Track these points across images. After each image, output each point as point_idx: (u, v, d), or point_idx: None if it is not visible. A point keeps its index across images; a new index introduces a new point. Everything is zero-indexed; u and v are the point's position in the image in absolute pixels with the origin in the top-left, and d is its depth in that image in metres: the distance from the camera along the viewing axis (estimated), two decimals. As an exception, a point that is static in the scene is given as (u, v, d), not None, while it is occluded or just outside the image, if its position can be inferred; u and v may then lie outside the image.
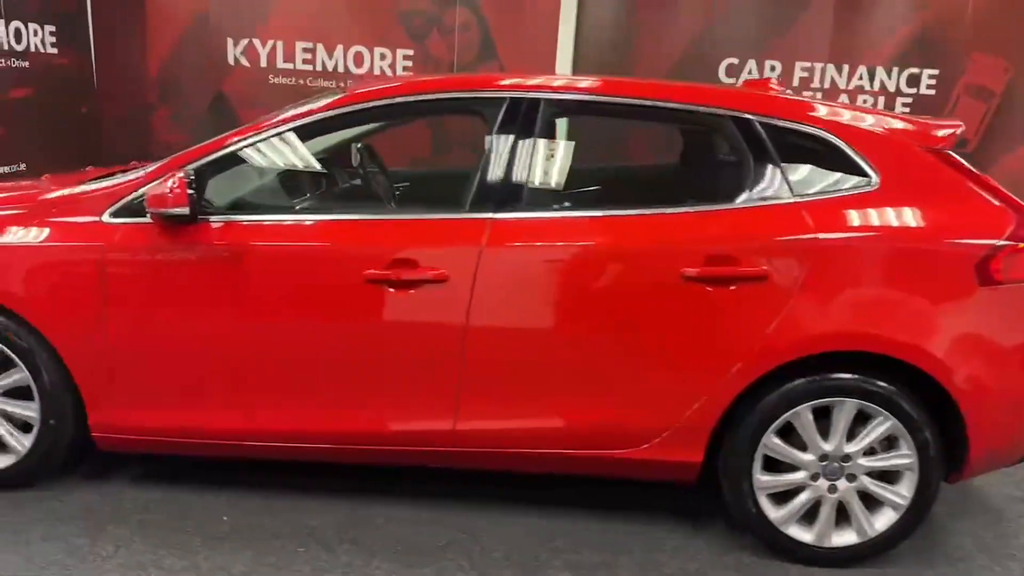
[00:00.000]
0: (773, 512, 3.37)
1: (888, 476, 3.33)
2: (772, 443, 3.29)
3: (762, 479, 3.33)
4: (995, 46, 8.40)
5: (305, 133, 3.52)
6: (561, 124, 3.60)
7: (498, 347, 3.32)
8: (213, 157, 3.42)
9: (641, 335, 3.27)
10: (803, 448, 3.31)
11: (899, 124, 3.35)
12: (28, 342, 3.40)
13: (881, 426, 3.22)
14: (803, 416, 3.24)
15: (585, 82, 3.47)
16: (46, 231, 3.42)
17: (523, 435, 3.40)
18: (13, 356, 3.44)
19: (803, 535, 3.37)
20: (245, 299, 3.34)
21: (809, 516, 3.40)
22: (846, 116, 3.36)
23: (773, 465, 3.36)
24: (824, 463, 3.30)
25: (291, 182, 4.02)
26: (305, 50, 9.38)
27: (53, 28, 8.92)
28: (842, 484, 3.32)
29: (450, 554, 3.42)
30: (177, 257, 3.33)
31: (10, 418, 3.61)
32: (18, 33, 8.42)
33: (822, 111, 3.35)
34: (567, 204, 3.47)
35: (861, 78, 8.87)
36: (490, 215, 3.30)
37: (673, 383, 3.29)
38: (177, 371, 3.44)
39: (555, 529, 3.59)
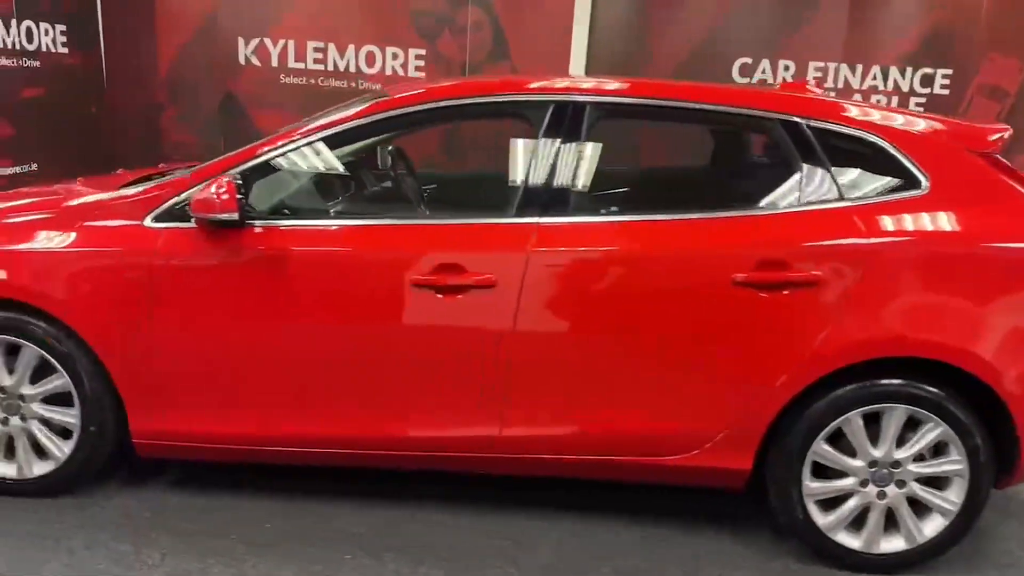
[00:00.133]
0: (821, 518, 3.34)
1: (937, 482, 3.30)
2: (822, 450, 3.26)
3: (811, 486, 3.30)
4: (1009, 46, 8.38)
5: (349, 137, 3.47)
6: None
7: (545, 352, 3.28)
8: (257, 162, 3.37)
9: (691, 340, 3.23)
10: (852, 454, 3.28)
11: (948, 127, 3.32)
12: (68, 347, 3.35)
13: (931, 432, 3.19)
14: (854, 422, 3.21)
15: (632, 85, 3.43)
16: (87, 236, 3.36)
17: (570, 441, 3.36)
18: (54, 362, 3.39)
19: (851, 541, 3.35)
20: (290, 304, 3.30)
21: (856, 522, 3.35)
22: (896, 120, 3.34)
23: (820, 471, 3.31)
24: (873, 469, 3.28)
25: (332, 186, 3.98)
26: (316, 50, 9.34)
27: (64, 27, 8.86)
28: (891, 490, 3.29)
29: (497, 560, 3.38)
30: (222, 262, 3.28)
31: (49, 424, 3.52)
32: (29, 32, 8.36)
33: (873, 115, 3.33)
34: (614, 208, 3.43)
35: (875, 78, 8.85)
36: (537, 220, 3.26)
37: (723, 389, 3.25)
38: (221, 377, 3.39)
39: (600, 534, 3.56)
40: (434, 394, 3.34)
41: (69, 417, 3.46)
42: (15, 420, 3.51)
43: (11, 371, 3.50)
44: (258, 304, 3.27)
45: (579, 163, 3.30)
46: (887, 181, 3.25)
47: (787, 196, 3.27)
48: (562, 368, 3.27)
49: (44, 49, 8.60)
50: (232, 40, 9.46)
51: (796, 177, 3.26)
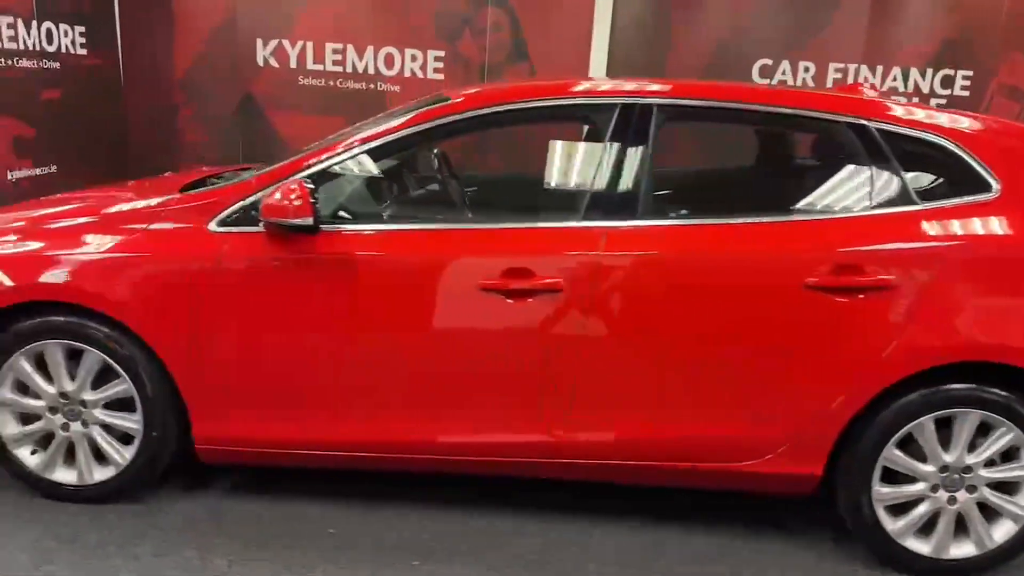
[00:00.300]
0: (891, 524, 3.31)
1: (1007, 486, 3.28)
2: (893, 455, 3.23)
3: (881, 491, 3.27)
4: (1030, 47, 8.30)
5: (411, 141, 3.44)
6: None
7: (614, 357, 3.25)
8: (323, 166, 3.33)
9: (763, 345, 3.21)
10: (923, 459, 3.25)
11: (1015, 130, 3.30)
12: (130, 351, 3.30)
13: (1004, 437, 3.17)
14: (926, 427, 3.19)
15: (697, 87, 3.40)
16: (150, 240, 3.32)
17: (639, 447, 3.32)
18: (117, 367, 3.34)
19: (920, 547, 3.32)
20: (358, 309, 3.25)
21: (926, 528, 3.32)
22: (964, 123, 3.31)
23: (889, 476, 3.29)
24: (944, 474, 3.25)
25: (394, 190, 3.95)
26: (335, 51, 9.30)
27: (83, 29, 8.82)
28: (961, 495, 3.27)
29: (567, 565, 3.35)
30: (290, 267, 3.24)
31: (109, 430, 3.48)
32: (49, 34, 8.31)
33: (940, 118, 3.30)
34: (683, 211, 3.40)
35: (895, 79, 8.84)
36: (605, 223, 3.23)
37: (795, 393, 3.22)
38: (287, 381, 3.34)
39: (666, 540, 3.52)
40: (500, 399, 3.30)
41: (131, 422, 3.41)
42: (76, 426, 3.46)
43: (70, 376, 3.41)
44: (327, 308, 3.23)
45: (646, 166, 3.26)
46: (958, 185, 3.22)
47: (857, 199, 3.24)
48: (632, 372, 3.24)
49: (63, 51, 8.55)
50: (250, 41, 9.42)
51: (865, 180, 3.24)
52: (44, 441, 3.51)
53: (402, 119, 3.39)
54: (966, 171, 3.21)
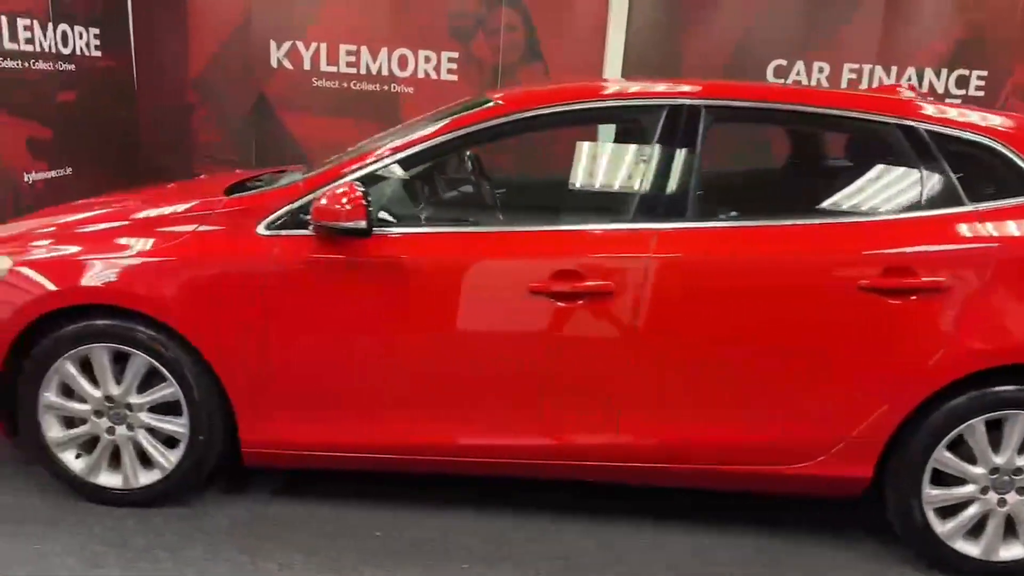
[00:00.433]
0: (940, 526, 3.30)
1: (1057, 489, 3.27)
2: (944, 457, 3.22)
3: (931, 493, 3.26)
4: (1045, 47, 8.31)
5: (458, 144, 3.42)
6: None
7: (665, 360, 3.23)
8: (372, 168, 3.32)
9: (815, 347, 3.19)
10: (972, 461, 3.25)
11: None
12: (176, 354, 3.28)
13: (1053, 439, 3.15)
14: (976, 429, 3.17)
15: (745, 89, 3.39)
16: (198, 243, 3.30)
17: (689, 451, 3.30)
18: (164, 370, 3.32)
19: (970, 549, 3.31)
20: (409, 312, 3.24)
21: (975, 530, 3.31)
22: (1011, 124, 3.31)
23: (937, 478, 3.27)
24: (994, 476, 3.24)
25: (440, 192, 3.94)
26: (349, 53, 9.28)
27: (97, 31, 8.80)
28: (1012, 497, 3.25)
29: (618, 570, 3.33)
30: (340, 270, 3.22)
31: (154, 433, 3.46)
32: (65, 36, 8.29)
33: (990, 119, 3.29)
34: (733, 213, 3.39)
35: (910, 79, 8.84)
36: (655, 225, 3.22)
37: (847, 396, 3.20)
38: (335, 385, 3.32)
39: (714, 545, 3.49)
40: (551, 402, 3.28)
41: (177, 426, 3.39)
42: (121, 429, 3.44)
43: (116, 380, 3.39)
44: (378, 311, 3.21)
45: (695, 167, 3.24)
46: (1007, 186, 3.22)
47: (907, 201, 3.23)
48: (682, 376, 3.22)
49: (78, 52, 8.53)
50: (264, 43, 9.40)
51: (915, 182, 3.23)
52: (89, 445, 3.46)
53: (446, 122, 3.36)
54: (1015, 172, 3.20)
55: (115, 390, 3.34)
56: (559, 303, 3.14)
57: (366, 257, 3.15)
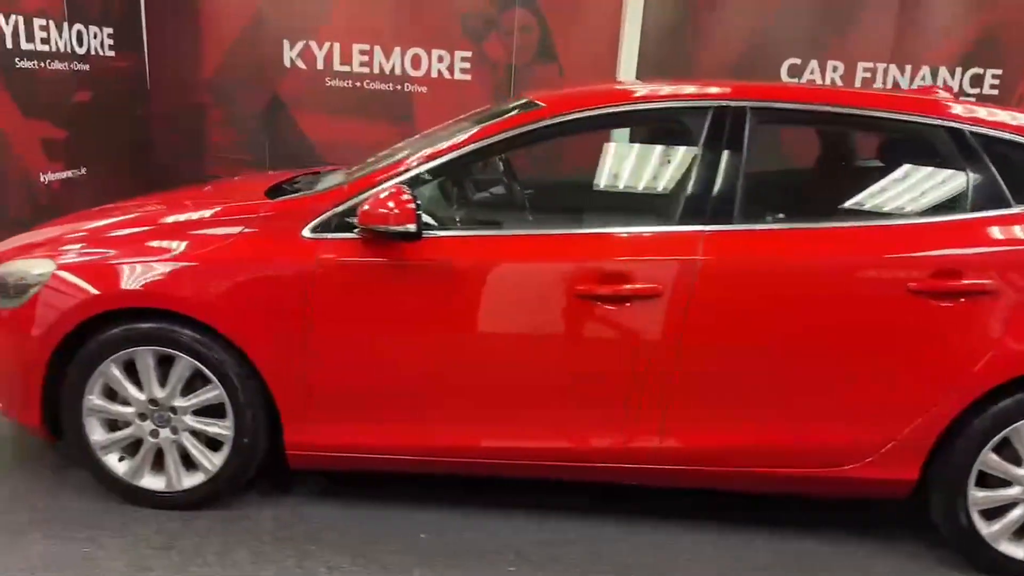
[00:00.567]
0: (985, 528, 3.30)
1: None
2: (990, 459, 3.20)
3: (977, 495, 3.23)
4: (1060, 46, 8.32)
5: (503, 147, 3.42)
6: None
7: (712, 363, 3.22)
8: (418, 171, 3.31)
9: (863, 350, 3.19)
10: (1018, 463, 3.25)
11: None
12: (221, 357, 3.27)
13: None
14: (1022, 432, 3.18)
15: (790, 90, 3.40)
16: (244, 246, 3.30)
17: (734, 454, 3.29)
18: (209, 373, 3.31)
19: (1015, 551, 3.31)
20: (456, 315, 3.23)
21: (1020, 532, 3.31)
22: (1058, 127, 3.30)
23: (981, 480, 3.27)
24: (1040, 478, 3.24)
25: (483, 195, 3.93)
26: (362, 52, 9.27)
27: (111, 30, 8.78)
28: (1057, 500, 3.25)
29: (661, 571, 3.34)
30: (386, 273, 3.21)
31: (196, 436, 3.45)
32: (80, 36, 8.27)
33: (1037, 123, 3.29)
34: (780, 215, 3.39)
35: (924, 78, 8.84)
36: (702, 228, 3.22)
37: (894, 399, 3.19)
38: (381, 388, 3.30)
39: (755, 548, 3.48)
40: (595, 405, 3.27)
41: (221, 429, 3.38)
42: (165, 432, 3.43)
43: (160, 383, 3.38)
44: (425, 314, 3.20)
45: (741, 169, 3.24)
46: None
47: (954, 203, 3.23)
48: (730, 379, 3.21)
49: (93, 53, 8.51)
50: (277, 43, 9.38)
51: (962, 184, 3.22)
52: (132, 448, 3.45)
53: (492, 125, 3.35)
54: None
55: (159, 393, 3.31)
56: (606, 305, 3.12)
57: (414, 260, 3.14)
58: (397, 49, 9.31)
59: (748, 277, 3.11)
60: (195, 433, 3.41)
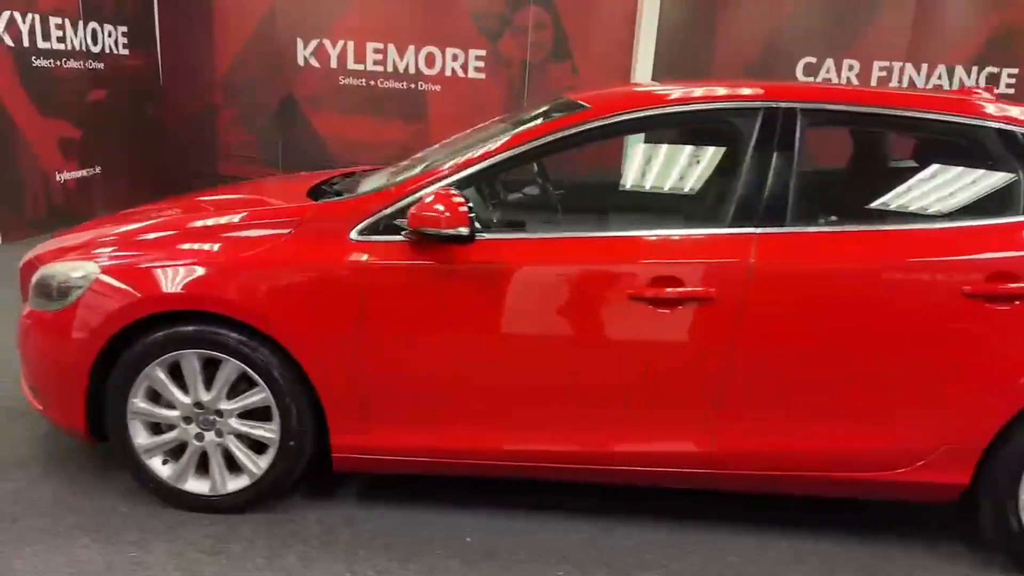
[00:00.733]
0: (1035, 532, 3.28)
1: None
2: None
3: (1027, 499, 3.23)
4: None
5: (549, 149, 3.39)
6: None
7: (765, 367, 3.18)
8: (465, 173, 3.28)
9: (917, 354, 3.17)
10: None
11: None
12: (268, 360, 3.25)
13: None
14: (1072, 437, 3.16)
15: (841, 92, 3.37)
16: (292, 249, 3.27)
17: (787, 458, 3.27)
18: (255, 376, 3.28)
19: (1065, 554, 3.29)
20: (507, 318, 3.20)
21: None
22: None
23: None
24: (1090, 482, 3.22)
25: (532, 197, 3.91)
26: (376, 51, 9.26)
27: (125, 29, 8.76)
28: (1105, 503, 3.23)
29: (690, 573, 3.31)
30: (436, 276, 3.19)
31: (241, 438, 3.42)
32: (94, 34, 8.25)
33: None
34: (832, 218, 3.37)
35: (940, 77, 8.84)
36: (755, 230, 3.20)
37: (948, 402, 3.17)
38: (430, 391, 3.28)
39: (804, 551, 3.47)
40: (645, 408, 3.25)
41: (267, 432, 3.36)
42: (210, 435, 3.40)
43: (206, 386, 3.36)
44: (476, 317, 3.18)
45: (793, 170, 3.22)
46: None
47: (1006, 205, 3.21)
48: (782, 382, 3.19)
49: (107, 51, 8.49)
50: (291, 41, 9.37)
51: (1014, 186, 3.21)
52: (175, 451, 3.43)
53: (537, 127, 3.33)
54: None
55: (205, 396, 3.28)
56: (658, 309, 3.10)
57: (465, 263, 3.11)
58: (411, 48, 9.30)
59: (801, 280, 3.09)
60: (240, 436, 3.35)
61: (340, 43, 9.17)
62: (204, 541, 3.24)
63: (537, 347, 3.17)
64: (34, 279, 3.42)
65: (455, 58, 9.23)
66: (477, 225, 3.17)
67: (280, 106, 9.26)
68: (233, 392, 3.30)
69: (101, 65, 8.40)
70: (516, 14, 9.01)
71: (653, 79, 8.66)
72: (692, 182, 3.67)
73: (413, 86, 9.28)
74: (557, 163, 4.16)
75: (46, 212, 7.69)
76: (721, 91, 3.34)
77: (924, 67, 8.67)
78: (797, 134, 3.17)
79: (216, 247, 3.29)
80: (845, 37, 8.79)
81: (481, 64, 9.22)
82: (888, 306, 3.07)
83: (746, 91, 3.32)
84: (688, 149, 3.88)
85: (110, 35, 8.54)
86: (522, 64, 9.20)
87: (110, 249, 3.41)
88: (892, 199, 3.40)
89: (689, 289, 3.07)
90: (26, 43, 7.14)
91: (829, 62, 8.87)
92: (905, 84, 8.77)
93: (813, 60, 8.88)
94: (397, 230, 3.16)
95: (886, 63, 8.73)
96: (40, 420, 3.95)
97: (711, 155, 3.67)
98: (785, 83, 3.21)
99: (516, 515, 3.58)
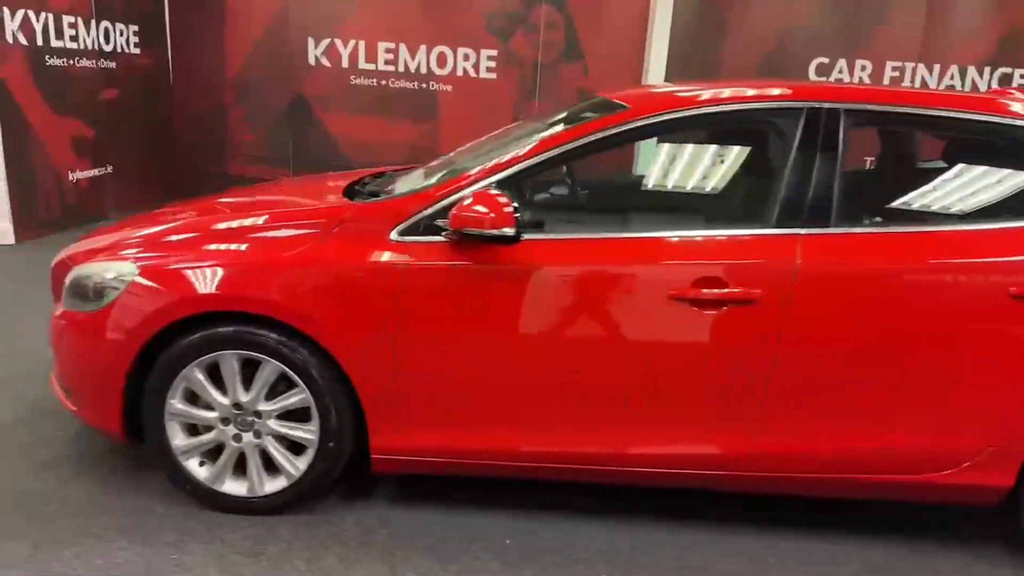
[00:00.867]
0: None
1: None
2: None
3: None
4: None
5: (590, 149, 3.37)
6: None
7: (810, 367, 3.17)
8: (507, 173, 3.25)
9: (962, 355, 3.16)
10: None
11: None
12: (305, 358, 3.22)
13: None
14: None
15: (884, 92, 3.35)
16: (332, 249, 3.24)
17: (830, 460, 3.24)
18: (295, 377, 3.26)
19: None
20: (550, 318, 3.18)
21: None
22: None
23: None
24: None
25: (573, 198, 3.89)
26: (387, 50, 9.23)
27: (136, 28, 8.74)
28: None
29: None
30: (479, 277, 3.16)
31: (279, 439, 3.40)
32: (107, 33, 8.22)
33: None
34: (877, 219, 3.35)
35: (952, 77, 8.84)
36: (800, 231, 3.18)
37: (993, 404, 3.17)
38: (471, 392, 3.25)
39: (848, 553, 3.45)
40: (686, 409, 3.23)
41: (305, 433, 3.33)
42: (248, 436, 3.38)
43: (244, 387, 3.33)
44: (519, 318, 3.15)
45: (837, 171, 3.20)
46: None
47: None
48: (827, 385, 3.17)
49: (119, 50, 8.46)
50: (302, 41, 9.34)
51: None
52: (212, 453, 3.40)
53: (579, 127, 3.31)
54: None
55: (244, 397, 3.26)
56: (702, 310, 3.08)
57: (508, 264, 3.09)
58: (422, 47, 9.28)
59: (847, 281, 3.07)
60: (278, 437, 3.31)
61: (351, 43, 9.14)
62: (243, 543, 3.21)
63: (582, 348, 3.14)
64: (68, 279, 3.38)
65: (466, 58, 9.21)
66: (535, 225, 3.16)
67: (291, 106, 9.23)
68: (271, 393, 3.23)
69: (113, 64, 8.37)
70: (528, 14, 8.97)
71: (666, 80, 8.65)
72: (735, 183, 3.64)
73: (424, 86, 9.26)
74: (584, 165, 4.15)
75: (59, 212, 7.66)
76: (763, 91, 3.32)
77: (936, 68, 8.67)
78: (840, 134, 3.14)
79: (256, 248, 3.25)
80: (857, 37, 8.78)
81: (492, 64, 9.19)
82: (932, 308, 3.06)
83: (789, 91, 3.29)
84: (729, 149, 3.85)
85: (121, 34, 8.51)
86: (534, 64, 9.18)
87: (145, 250, 3.34)
88: (935, 199, 3.37)
89: (734, 290, 3.04)
90: (40, 42, 7.11)
91: (842, 62, 8.86)
92: (917, 84, 8.76)
93: (825, 60, 8.87)
94: (438, 231, 3.13)
95: (898, 63, 8.72)
96: (69, 420, 3.93)
97: (752, 155, 3.65)
98: (828, 84, 3.18)
99: (553, 516, 3.58)
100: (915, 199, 3.39)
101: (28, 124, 7.01)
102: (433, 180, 3.41)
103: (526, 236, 3.08)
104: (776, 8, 8.83)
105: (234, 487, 3.39)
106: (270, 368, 3.19)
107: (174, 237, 3.44)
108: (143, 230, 3.56)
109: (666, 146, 4.10)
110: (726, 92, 3.33)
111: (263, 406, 3.27)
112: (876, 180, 3.59)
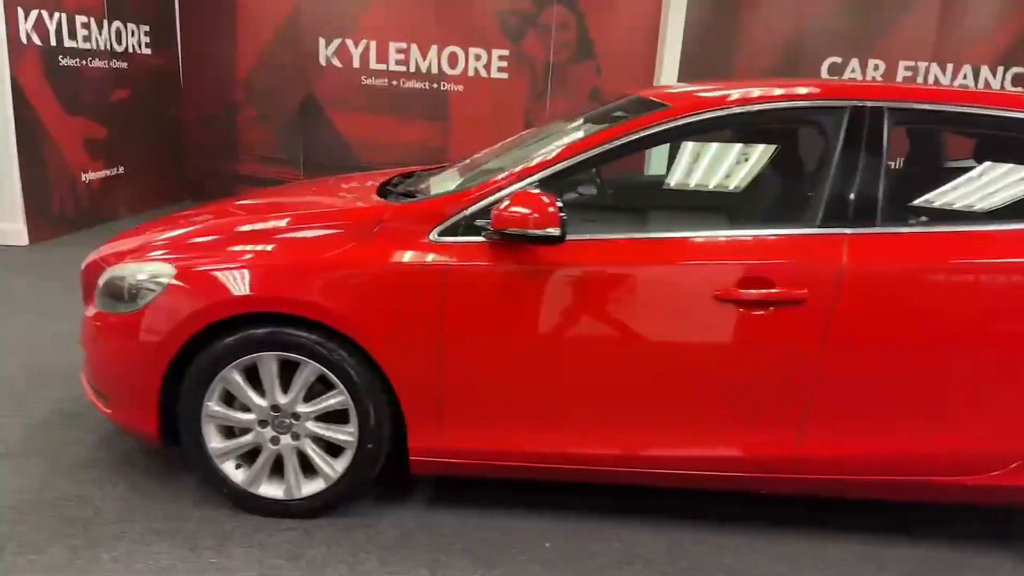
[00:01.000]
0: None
1: None
2: None
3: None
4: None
5: (634, 148, 3.34)
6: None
7: (858, 368, 3.14)
8: (547, 173, 3.22)
9: (1011, 355, 3.13)
10: None
11: None
12: (344, 359, 3.17)
13: None
14: None
15: (928, 91, 3.31)
16: (372, 250, 3.21)
17: (874, 462, 3.22)
18: (334, 378, 3.22)
19: None
20: (594, 319, 3.14)
21: None
22: None
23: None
24: None
25: (615, 197, 3.85)
26: (399, 51, 9.20)
27: (148, 28, 8.70)
28: None
29: None
30: (521, 277, 3.13)
31: (317, 442, 3.36)
32: (119, 33, 8.18)
33: None
34: (923, 218, 3.32)
35: (965, 77, 8.82)
36: (847, 230, 3.15)
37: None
38: (512, 393, 3.22)
39: (882, 555, 3.43)
40: (731, 412, 3.20)
41: (344, 435, 3.29)
42: (286, 439, 3.34)
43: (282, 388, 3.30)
44: (563, 319, 3.12)
45: (881, 169, 3.17)
46: None
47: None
48: (874, 385, 3.14)
49: (130, 50, 8.43)
50: (313, 41, 9.31)
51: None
52: (248, 455, 3.36)
53: (617, 126, 3.27)
54: None
55: (282, 399, 3.22)
56: (747, 311, 3.04)
57: (551, 264, 3.05)
58: (434, 47, 9.25)
59: (894, 280, 3.03)
60: (315, 439, 3.27)
61: (362, 43, 9.11)
62: (282, 546, 3.17)
63: (626, 349, 3.10)
64: (102, 280, 3.33)
65: (478, 58, 9.18)
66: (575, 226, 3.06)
67: (302, 106, 9.20)
68: (309, 394, 3.19)
69: (125, 64, 8.33)
70: (540, 14, 8.95)
71: (679, 80, 8.62)
72: (778, 182, 3.61)
73: (435, 86, 9.23)
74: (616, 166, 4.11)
75: (73, 212, 7.61)
76: (806, 90, 3.29)
77: (950, 67, 8.65)
78: (885, 133, 3.10)
79: (294, 249, 3.21)
80: (870, 37, 8.76)
81: (504, 64, 9.16)
82: (980, 307, 3.02)
83: (832, 89, 3.26)
84: (771, 148, 3.82)
85: (133, 34, 8.47)
86: (545, 64, 9.14)
87: (181, 252, 3.29)
88: (979, 199, 3.34)
89: (780, 290, 3.01)
90: (53, 42, 7.06)
91: (855, 62, 8.84)
92: (930, 84, 8.74)
93: (838, 60, 8.85)
94: (478, 231, 3.09)
95: (911, 63, 8.70)
96: (94, 421, 3.89)
97: (795, 155, 3.61)
98: (872, 82, 3.15)
99: (590, 518, 3.56)
100: (960, 198, 3.34)
101: (42, 125, 6.97)
102: (470, 180, 3.35)
103: (570, 236, 3.01)
104: (788, 8, 8.81)
105: (271, 490, 3.36)
106: (309, 369, 3.16)
107: (210, 238, 3.37)
108: (175, 231, 3.48)
109: (705, 145, 4.05)
110: (772, 91, 3.29)
111: (302, 408, 3.22)
112: (920, 178, 3.53)
